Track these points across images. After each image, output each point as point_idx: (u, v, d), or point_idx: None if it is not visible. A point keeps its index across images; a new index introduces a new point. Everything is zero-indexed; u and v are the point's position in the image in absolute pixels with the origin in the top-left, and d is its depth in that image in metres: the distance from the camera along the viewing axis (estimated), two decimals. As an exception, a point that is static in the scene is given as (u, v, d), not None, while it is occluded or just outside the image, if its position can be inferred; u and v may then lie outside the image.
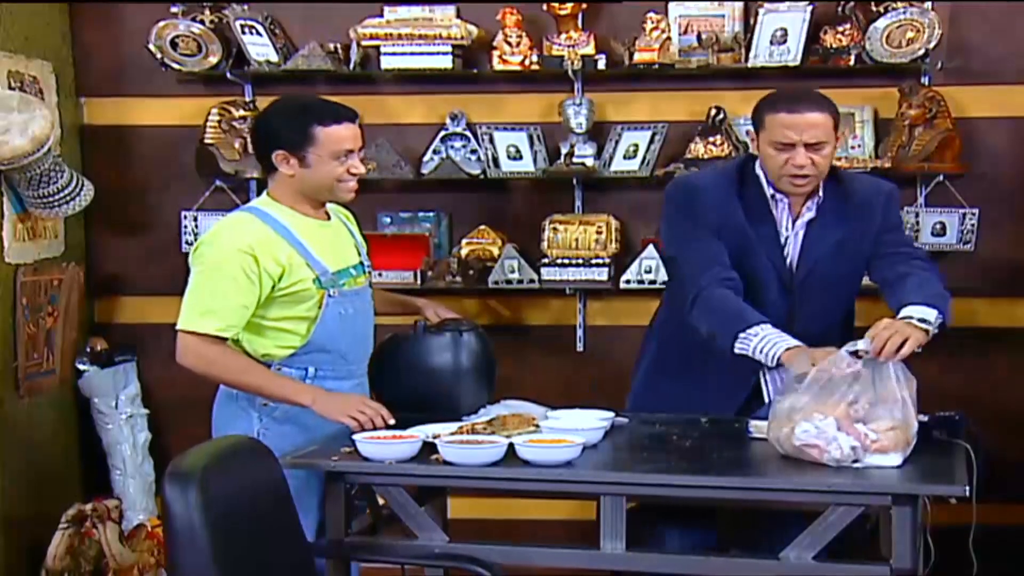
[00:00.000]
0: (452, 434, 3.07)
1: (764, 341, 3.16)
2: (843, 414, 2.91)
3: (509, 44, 4.55)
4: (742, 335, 3.18)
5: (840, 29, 4.42)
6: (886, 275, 3.35)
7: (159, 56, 4.64)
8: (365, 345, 3.40)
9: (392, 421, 3.17)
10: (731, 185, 3.37)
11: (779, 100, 3.30)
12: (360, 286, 3.37)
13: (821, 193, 3.36)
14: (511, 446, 2.96)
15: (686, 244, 3.38)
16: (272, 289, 3.20)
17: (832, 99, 3.36)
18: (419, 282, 4.57)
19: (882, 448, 2.91)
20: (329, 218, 3.37)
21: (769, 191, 3.35)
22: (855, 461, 2.89)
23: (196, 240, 3.51)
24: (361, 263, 3.41)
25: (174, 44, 4.65)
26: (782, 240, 3.36)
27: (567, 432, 3.06)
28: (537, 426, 3.16)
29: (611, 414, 3.28)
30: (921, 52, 4.34)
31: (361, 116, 3.31)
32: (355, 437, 3.03)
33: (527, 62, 4.56)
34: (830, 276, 3.37)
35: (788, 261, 3.37)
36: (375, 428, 3.13)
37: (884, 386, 2.97)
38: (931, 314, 3.14)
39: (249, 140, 3.89)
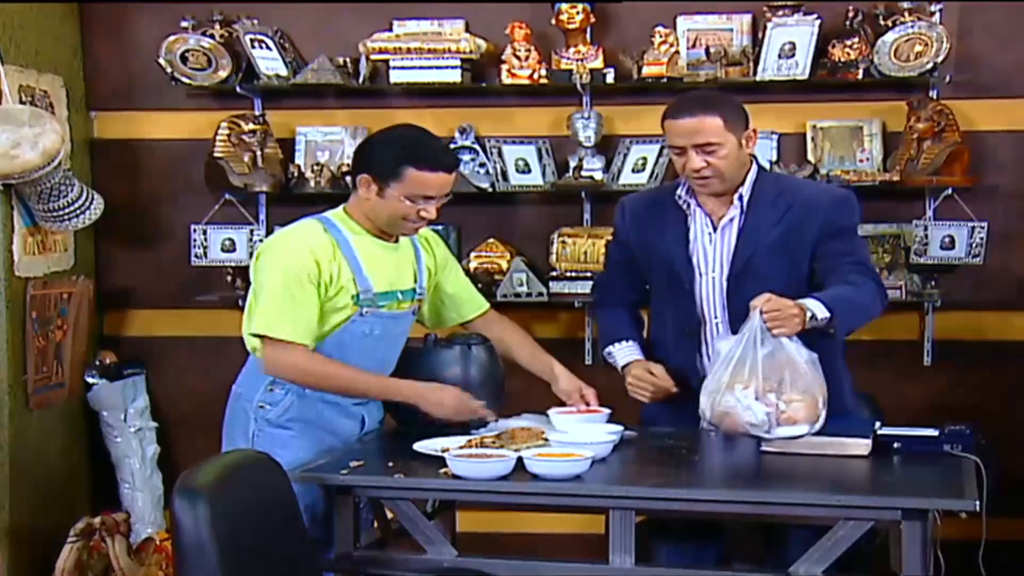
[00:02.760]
0: (461, 448, 3.07)
1: (615, 359, 3.53)
2: (761, 386, 3.07)
3: (518, 58, 4.56)
4: (606, 353, 3.57)
5: (848, 43, 4.42)
6: (821, 285, 3.28)
7: (169, 70, 4.66)
8: (382, 370, 3.36)
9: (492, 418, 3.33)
10: (656, 195, 3.60)
11: (670, 108, 3.37)
12: (401, 311, 3.36)
13: (747, 193, 3.36)
14: (520, 460, 2.96)
15: (608, 259, 3.76)
16: (320, 298, 3.22)
17: (731, 99, 3.40)
18: (428, 295, 4.57)
19: (790, 419, 3.07)
20: (398, 241, 3.37)
21: (683, 197, 3.41)
22: (767, 431, 3.06)
23: (257, 249, 3.43)
24: (413, 289, 3.40)
25: (184, 58, 4.66)
26: (701, 242, 3.38)
27: (576, 446, 3.06)
28: (546, 439, 3.15)
29: (620, 427, 3.28)
30: (929, 66, 4.34)
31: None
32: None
33: (536, 76, 4.57)
34: (764, 276, 3.30)
35: (707, 262, 3.38)
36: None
37: (790, 360, 3.10)
38: (820, 310, 3.13)
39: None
